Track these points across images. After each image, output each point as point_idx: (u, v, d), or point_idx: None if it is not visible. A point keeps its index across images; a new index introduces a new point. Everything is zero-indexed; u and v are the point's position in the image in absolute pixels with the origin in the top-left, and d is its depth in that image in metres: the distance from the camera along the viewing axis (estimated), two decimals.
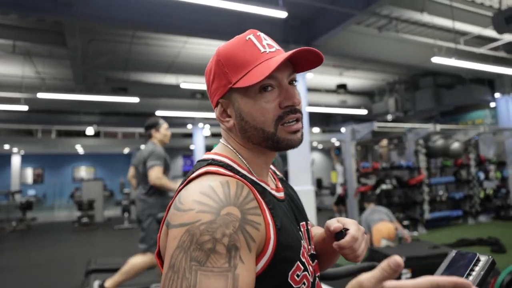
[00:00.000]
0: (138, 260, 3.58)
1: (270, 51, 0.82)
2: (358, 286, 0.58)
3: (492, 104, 11.29)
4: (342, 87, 11.38)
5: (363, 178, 7.69)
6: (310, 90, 11.47)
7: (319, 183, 16.33)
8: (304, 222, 0.93)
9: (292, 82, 0.85)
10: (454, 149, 8.40)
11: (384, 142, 10.62)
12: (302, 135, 0.85)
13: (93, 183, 12.71)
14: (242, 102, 0.82)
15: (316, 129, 17.56)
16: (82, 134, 16.30)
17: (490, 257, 0.71)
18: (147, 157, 3.65)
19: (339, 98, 12.22)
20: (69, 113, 13.68)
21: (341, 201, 8.79)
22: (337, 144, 16.45)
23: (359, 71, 10.61)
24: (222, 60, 0.82)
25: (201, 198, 0.70)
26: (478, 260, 0.72)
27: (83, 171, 21.83)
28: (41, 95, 8.65)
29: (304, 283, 0.79)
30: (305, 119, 7.13)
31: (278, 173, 1.02)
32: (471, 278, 0.70)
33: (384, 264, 0.58)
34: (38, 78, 9.73)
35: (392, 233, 5.41)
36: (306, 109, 7.21)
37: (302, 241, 0.84)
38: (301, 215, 0.94)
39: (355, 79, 11.41)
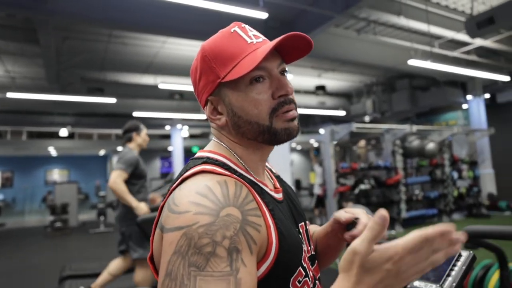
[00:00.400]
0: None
1: (257, 42, 0.80)
2: (352, 254, 0.59)
3: (465, 106, 11.61)
4: (320, 89, 11.48)
5: (341, 179, 7.76)
6: None
7: (298, 184, 16.41)
8: (302, 223, 0.89)
9: (282, 73, 0.82)
10: (429, 149, 8.58)
11: (362, 142, 10.76)
12: (298, 123, 0.82)
13: (67, 186, 12.45)
14: (233, 96, 0.78)
15: None
16: (55, 135, 15.92)
17: (471, 252, 0.73)
18: (117, 161, 3.61)
19: (318, 99, 12.32)
20: (42, 113, 13.27)
21: (321, 202, 8.85)
22: (315, 145, 16.58)
23: (337, 73, 10.73)
24: (208, 55, 0.79)
25: (198, 199, 0.65)
26: (460, 255, 0.74)
27: (56, 174, 21.34)
28: (11, 95, 8.40)
29: None
30: None
31: (274, 171, 0.98)
32: (453, 273, 0.72)
33: (371, 223, 0.60)
34: (7, 77, 9.44)
35: None
36: None
37: (302, 245, 0.81)
38: (299, 215, 0.90)
39: (334, 81, 11.54)
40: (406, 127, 8.30)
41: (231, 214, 0.65)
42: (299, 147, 21.70)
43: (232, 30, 0.81)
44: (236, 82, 0.77)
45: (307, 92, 12.20)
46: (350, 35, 7.72)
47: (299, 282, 0.74)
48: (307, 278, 0.77)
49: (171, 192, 0.73)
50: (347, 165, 8.07)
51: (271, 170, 0.97)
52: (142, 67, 9.28)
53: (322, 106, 12.56)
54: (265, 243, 0.69)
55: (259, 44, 0.79)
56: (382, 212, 0.60)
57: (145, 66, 9.24)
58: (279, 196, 0.85)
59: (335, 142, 7.78)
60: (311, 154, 10.15)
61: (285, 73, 0.83)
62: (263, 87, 0.77)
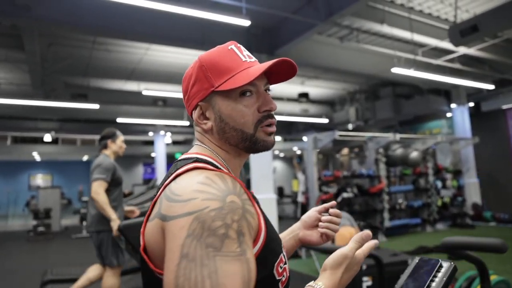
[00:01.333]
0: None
1: (250, 61, 0.89)
2: (343, 257, 0.83)
3: (449, 114, 11.70)
4: (304, 96, 11.51)
5: (324, 187, 7.74)
6: (273, 98, 11.51)
7: (280, 192, 16.37)
8: None
9: (266, 90, 0.92)
10: (412, 158, 8.61)
11: (345, 150, 10.80)
12: (274, 138, 0.93)
13: (50, 191, 12.31)
14: (223, 104, 0.86)
15: (278, 138, 17.68)
16: (39, 140, 15.81)
17: (452, 263, 0.73)
18: (94, 169, 3.55)
19: (301, 106, 12.34)
20: (26, 119, 13.23)
21: (304, 210, 8.80)
22: (298, 152, 16.59)
23: (320, 80, 10.76)
24: (205, 65, 0.87)
25: (202, 188, 0.71)
26: (441, 266, 0.74)
27: (40, 179, 21.14)
28: None
29: (284, 276, 0.82)
30: None
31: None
32: (434, 284, 0.71)
33: (357, 238, 0.86)
34: None
35: None
36: None
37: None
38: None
39: (317, 88, 11.57)
40: (389, 135, 8.30)
41: (234, 201, 0.70)
42: (282, 155, 21.74)
43: (229, 48, 0.90)
44: (228, 92, 0.85)
45: (290, 100, 12.24)
46: (333, 43, 7.75)
47: (281, 268, 0.81)
48: (286, 266, 0.84)
49: (165, 187, 0.77)
50: (330, 173, 8.06)
51: None
52: (126, 73, 9.22)
53: (305, 113, 12.58)
54: (257, 229, 0.75)
55: (252, 63, 0.88)
56: (367, 231, 0.86)
57: (129, 73, 9.18)
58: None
59: (318, 150, 7.76)
60: (294, 162, 10.15)
61: (268, 91, 0.93)
62: (250, 101, 0.87)
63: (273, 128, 0.90)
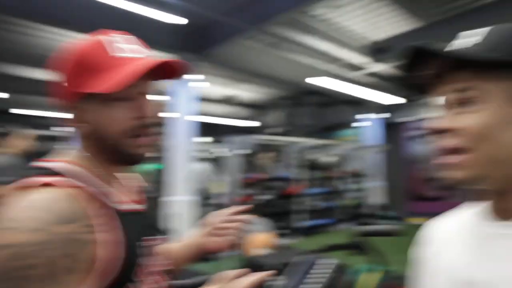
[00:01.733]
0: None
1: (124, 56, 0.75)
2: None
3: (363, 123, 12.48)
4: (232, 99, 11.60)
5: (243, 189, 7.81)
6: (203, 99, 11.46)
7: (205, 194, 16.18)
8: (154, 237, 0.88)
9: (148, 92, 0.80)
10: (328, 162, 9.06)
11: (267, 154, 11.00)
12: (151, 149, 0.81)
13: None
14: (93, 110, 0.75)
15: (205, 139, 17.52)
16: None
17: (331, 260, 0.80)
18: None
19: (228, 109, 12.43)
20: None
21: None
22: (224, 154, 16.50)
23: (249, 84, 10.86)
24: (73, 60, 0.75)
25: (22, 215, 0.61)
26: (315, 264, 0.81)
27: None
28: None
29: None
30: (195, 128, 7.10)
31: (138, 183, 0.95)
32: (308, 280, 0.78)
33: (220, 276, 0.69)
34: None
35: (268, 243, 5.58)
36: (196, 119, 7.21)
37: (142, 258, 0.79)
38: (151, 229, 0.89)
39: (245, 92, 11.68)
40: (308, 141, 8.65)
41: (58, 232, 0.62)
42: (208, 156, 21.58)
43: (99, 39, 0.77)
44: (94, 96, 0.73)
45: (218, 101, 12.25)
46: (261, 49, 7.89)
47: None
48: None
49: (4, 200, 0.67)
50: (250, 176, 8.16)
51: (134, 182, 0.94)
52: (37, 60, 8.52)
53: (232, 116, 12.66)
54: (93, 259, 0.66)
55: (128, 60, 0.75)
56: (239, 270, 0.69)
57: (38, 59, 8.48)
58: (130, 207, 0.82)
59: (240, 153, 7.85)
60: (218, 164, 10.15)
61: (151, 93, 0.81)
62: (123, 107, 0.76)
63: (147, 139, 0.79)
